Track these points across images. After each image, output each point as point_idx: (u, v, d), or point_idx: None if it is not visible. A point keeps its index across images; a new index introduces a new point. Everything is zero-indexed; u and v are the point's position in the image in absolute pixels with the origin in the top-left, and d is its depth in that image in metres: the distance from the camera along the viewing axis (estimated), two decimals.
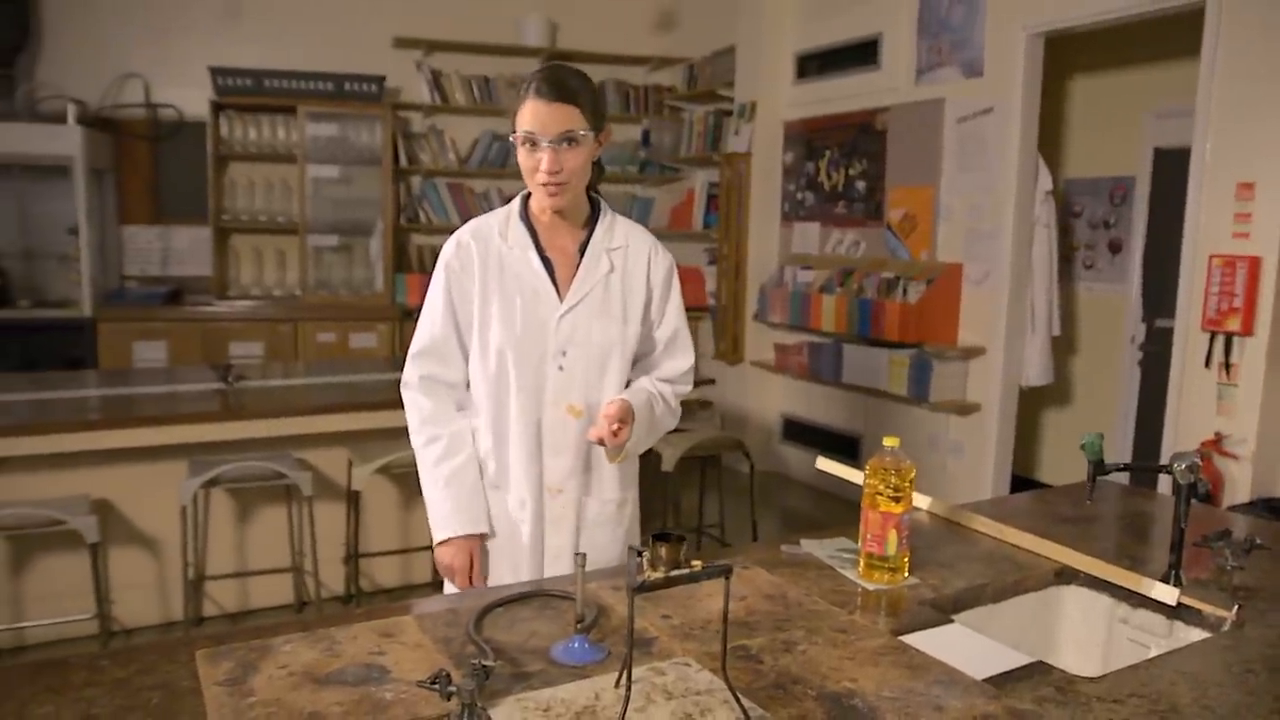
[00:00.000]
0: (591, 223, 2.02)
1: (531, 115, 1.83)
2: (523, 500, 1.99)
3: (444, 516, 1.97)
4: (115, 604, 3.67)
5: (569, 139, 1.84)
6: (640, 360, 2.07)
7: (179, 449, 3.56)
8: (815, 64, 6.03)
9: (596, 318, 1.96)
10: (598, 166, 2.01)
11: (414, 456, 2.03)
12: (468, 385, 2.02)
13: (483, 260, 1.95)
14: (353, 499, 3.85)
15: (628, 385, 2.03)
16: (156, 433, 3.45)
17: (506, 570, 2.01)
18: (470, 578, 1.96)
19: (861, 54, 5.63)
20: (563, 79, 1.86)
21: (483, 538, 2.00)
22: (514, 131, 1.88)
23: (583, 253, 1.98)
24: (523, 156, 1.88)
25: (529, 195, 1.99)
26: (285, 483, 3.58)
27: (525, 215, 2.00)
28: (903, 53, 5.36)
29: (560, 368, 1.95)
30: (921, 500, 2.13)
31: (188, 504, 3.43)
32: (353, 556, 3.96)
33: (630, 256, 2.02)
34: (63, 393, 3.80)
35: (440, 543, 1.97)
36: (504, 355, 1.94)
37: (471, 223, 2.03)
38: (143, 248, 6.29)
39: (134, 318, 5.80)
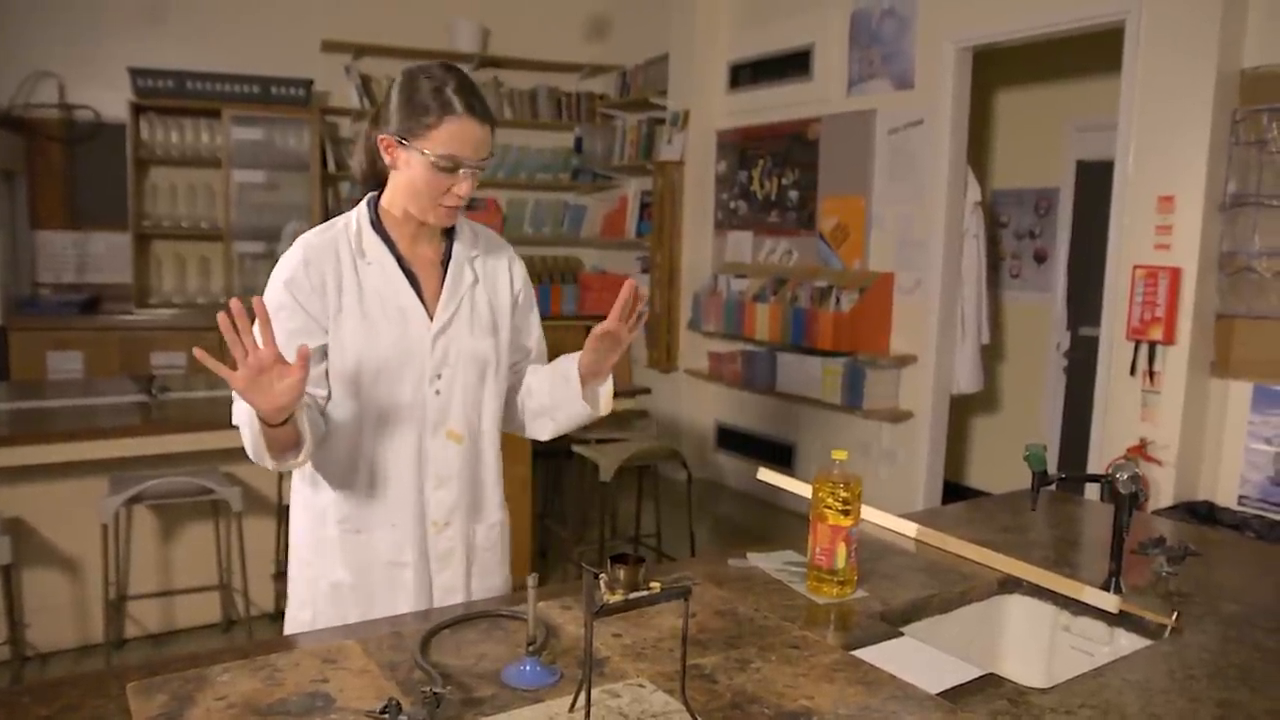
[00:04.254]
0: (449, 232, 1.83)
1: (463, 137, 1.64)
2: (400, 543, 1.77)
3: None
4: (30, 627, 3.51)
5: (483, 167, 1.69)
6: (511, 369, 1.92)
7: (99, 465, 3.42)
8: (748, 73, 6.07)
9: (469, 333, 1.79)
10: None
11: None
12: (315, 407, 1.71)
13: (335, 280, 1.71)
14: (284, 514, 3.75)
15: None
16: (74, 448, 3.31)
17: (386, 623, 1.75)
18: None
19: (794, 64, 5.69)
20: (484, 101, 1.70)
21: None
22: (424, 150, 1.64)
23: (445, 264, 1.80)
24: (430, 178, 1.66)
25: (376, 200, 1.79)
26: (213, 498, 3.47)
27: (377, 223, 1.77)
28: (834, 64, 5.43)
29: (437, 391, 1.76)
30: (870, 513, 2.14)
31: (109, 522, 3.30)
32: (284, 573, 3.84)
33: (490, 263, 1.88)
34: None
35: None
36: (371, 384, 1.71)
37: (308, 237, 1.76)
38: (57, 254, 6.06)
39: (48, 327, 5.58)
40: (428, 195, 1.68)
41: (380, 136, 1.71)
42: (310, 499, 1.81)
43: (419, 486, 1.78)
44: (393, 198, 1.76)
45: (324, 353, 1.72)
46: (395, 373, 1.73)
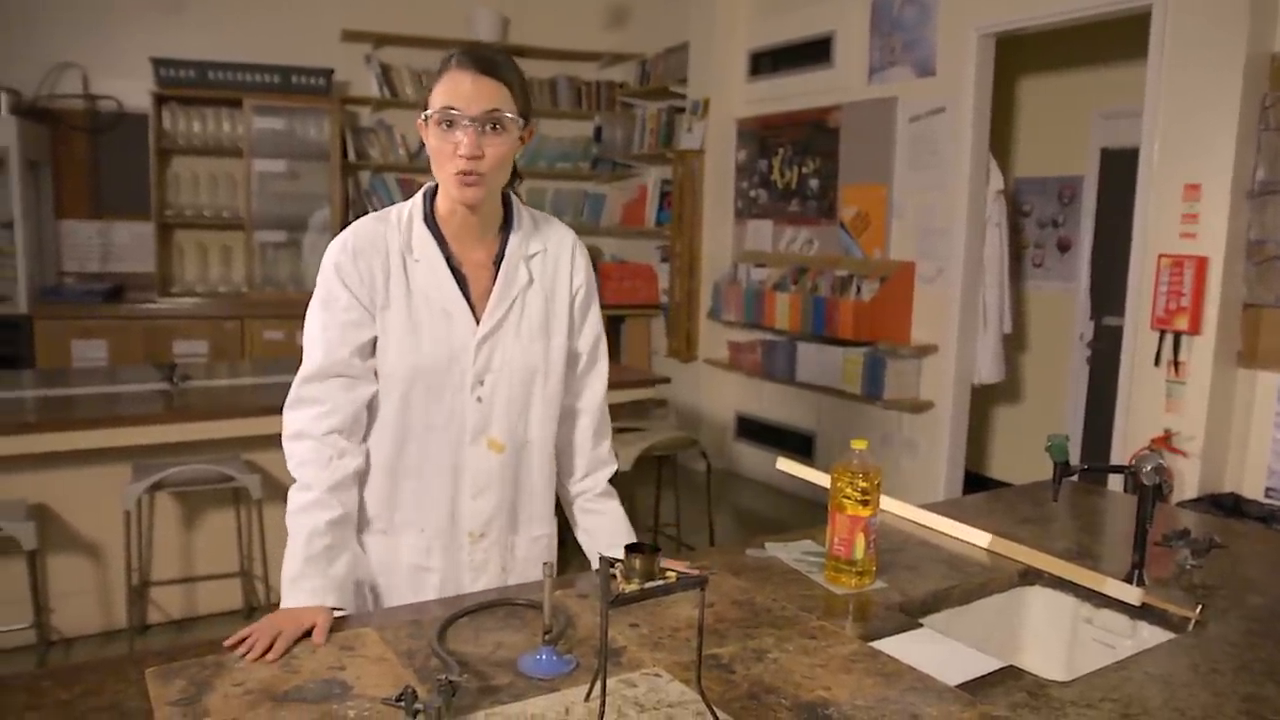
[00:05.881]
0: (506, 229, 1.73)
1: (452, 88, 1.56)
2: (428, 548, 1.72)
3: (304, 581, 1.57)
4: (54, 612, 3.55)
5: (494, 121, 1.57)
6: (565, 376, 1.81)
7: (122, 452, 3.44)
8: (768, 61, 6.03)
9: (516, 339, 1.70)
10: (513, 170, 1.71)
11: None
12: (365, 412, 1.69)
13: (384, 274, 1.65)
14: None
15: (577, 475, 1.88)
16: (98, 435, 3.34)
17: (404, 611, 1.67)
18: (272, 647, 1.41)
19: (814, 52, 5.64)
20: (490, 54, 1.61)
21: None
22: (425, 112, 1.60)
23: (498, 265, 1.71)
24: (435, 139, 1.59)
25: (434, 193, 1.71)
26: (233, 485, 3.48)
27: (430, 218, 1.70)
28: (855, 51, 5.38)
29: (479, 399, 1.68)
30: (889, 504, 2.13)
31: (131, 509, 3.33)
32: None
33: (549, 261, 1.76)
34: None
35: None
36: (408, 388, 1.66)
37: (360, 225, 1.69)
38: (81, 243, 6.11)
39: (72, 315, 5.62)
40: (439, 161, 1.60)
41: (418, 122, 1.65)
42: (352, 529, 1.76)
43: (453, 494, 1.72)
44: (440, 188, 1.70)
45: (374, 346, 1.67)
46: (436, 377, 1.66)
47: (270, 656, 1.37)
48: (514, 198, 1.77)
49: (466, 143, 1.56)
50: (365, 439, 1.70)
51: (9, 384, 3.92)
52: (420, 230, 1.69)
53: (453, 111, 1.56)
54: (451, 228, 1.70)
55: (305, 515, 1.59)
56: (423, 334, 1.66)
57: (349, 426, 1.65)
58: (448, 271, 1.68)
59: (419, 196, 1.73)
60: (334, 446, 1.63)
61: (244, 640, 1.40)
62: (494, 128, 1.58)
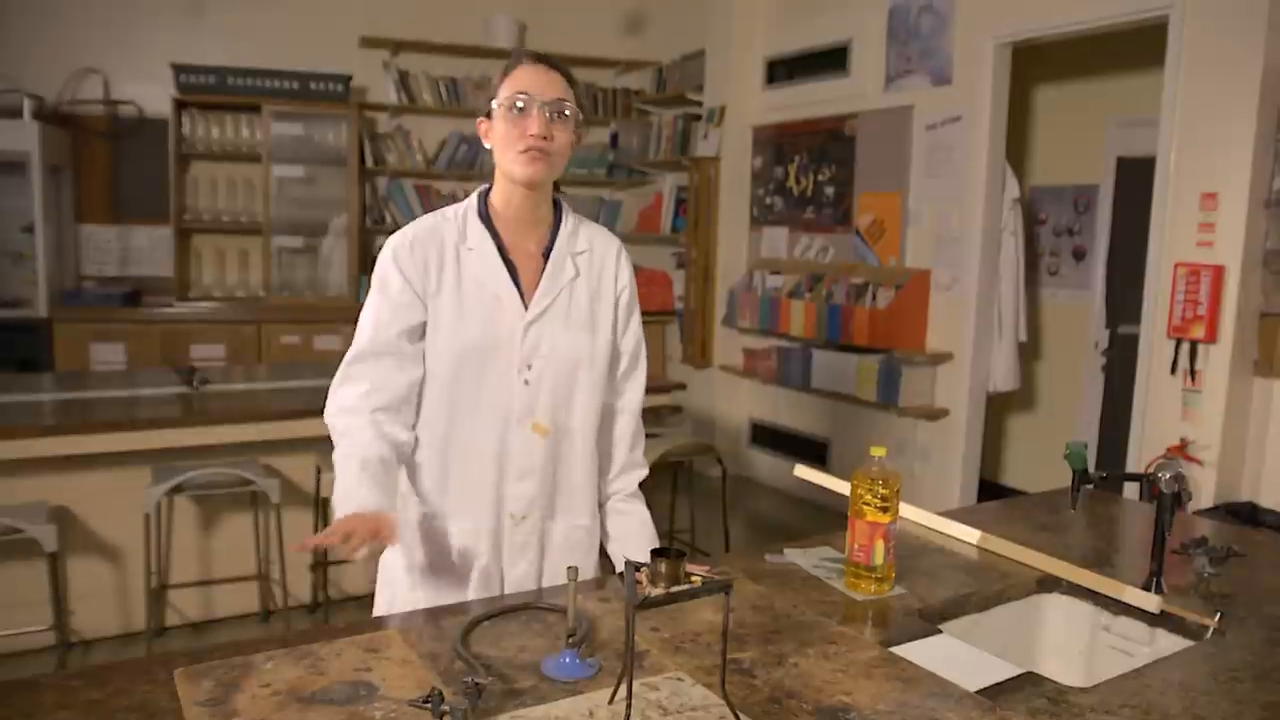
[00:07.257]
0: (554, 226, 1.85)
1: (524, 78, 1.71)
2: (476, 533, 1.78)
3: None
4: (74, 614, 3.58)
5: (562, 109, 1.72)
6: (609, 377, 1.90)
7: (141, 455, 3.46)
8: (785, 69, 6.05)
9: (564, 327, 1.78)
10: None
11: None
12: (413, 395, 1.77)
13: (438, 262, 1.75)
14: (321, 505, 3.79)
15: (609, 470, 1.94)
16: (118, 438, 3.37)
17: (424, 614, 1.70)
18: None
19: (831, 60, 5.66)
20: (554, 58, 1.78)
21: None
22: (491, 105, 1.73)
23: (547, 257, 1.81)
24: (504, 125, 1.71)
25: (487, 193, 1.83)
26: (252, 489, 3.51)
27: (484, 214, 1.81)
28: (872, 60, 5.39)
29: (526, 382, 1.75)
30: (907, 510, 2.13)
31: (151, 512, 3.35)
32: (321, 564, 3.89)
33: (595, 262, 1.86)
34: (17, 396, 3.71)
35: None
36: (460, 368, 1.73)
37: (419, 222, 1.80)
38: (100, 247, 6.16)
39: (91, 319, 5.67)
40: (505, 143, 1.72)
41: (478, 122, 1.78)
42: (399, 481, 1.82)
43: (499, 477, 1.77)
44: (496, 183, 1.81)
45: (424, 331, 1.76)
46: (485, 358, 1.74)
47: (360, 554, 1.46)
48: (562, 200, 1.88)
49: (538, 122, 1.69)
50: (414, 425, 1.77)
51: (29, 387, 3.97)
52: (475, 223, 1.80)
53: (525, 96, 1.69)
54: (505, 220, 1.80)
55: (354, 452, 1.65)
56: (472, 317, 1.74)
57: (395, 406, 1.72)
58: (499, 260, 1.77)
59: (474, 195, 1.84)
60: (378, 424, 1.69)
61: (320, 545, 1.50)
62: (561, 116, 1.73)
